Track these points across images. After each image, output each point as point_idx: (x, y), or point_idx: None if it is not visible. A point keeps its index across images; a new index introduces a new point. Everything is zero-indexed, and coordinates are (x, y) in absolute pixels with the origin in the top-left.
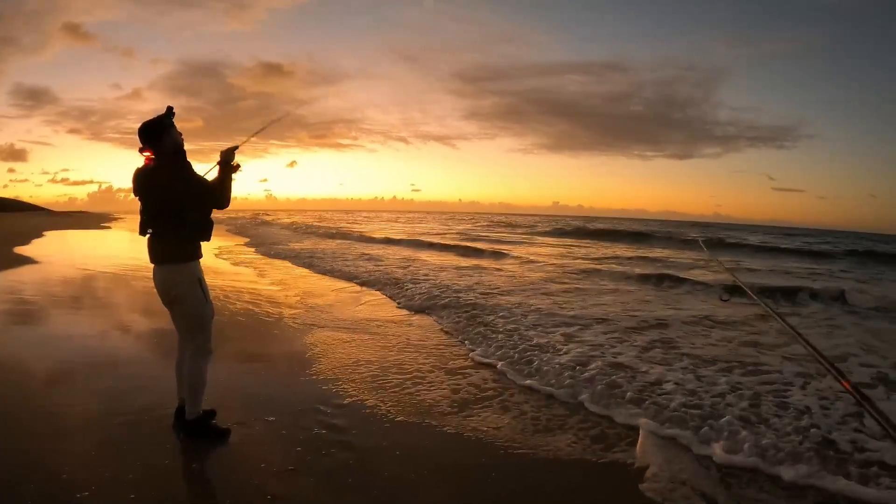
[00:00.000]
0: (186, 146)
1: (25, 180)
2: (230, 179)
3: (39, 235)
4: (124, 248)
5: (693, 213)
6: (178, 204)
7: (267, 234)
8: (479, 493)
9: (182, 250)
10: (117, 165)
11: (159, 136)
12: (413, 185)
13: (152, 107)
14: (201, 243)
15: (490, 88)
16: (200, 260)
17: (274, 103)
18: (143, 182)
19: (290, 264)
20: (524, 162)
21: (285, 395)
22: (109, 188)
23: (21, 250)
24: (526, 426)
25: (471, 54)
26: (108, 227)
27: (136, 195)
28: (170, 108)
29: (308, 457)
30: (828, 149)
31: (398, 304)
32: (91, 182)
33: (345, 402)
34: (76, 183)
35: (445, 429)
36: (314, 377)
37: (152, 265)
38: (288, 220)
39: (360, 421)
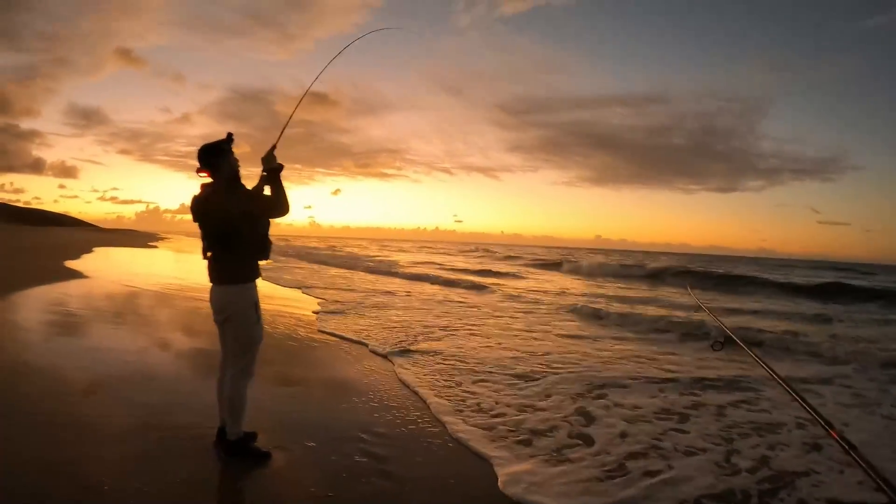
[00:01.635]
0: None
1: (75, 196)
2: (281, 184)
3: (89, 251)
4: (170, 267)
5: (737, 247)
6: (235, 226)
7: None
8: None
9: (240, 272)
10: (165, 186)
11: (217, 160)
12: (456, 215)
13: (201, 131)
14: (260, 263)
15: (532, 120)
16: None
17: (319, 131)
18: (201, 208)
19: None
20: (567, 194)
21: (326, 420)
22: (157, 208)
23: (71, 264)
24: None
25: (513, 86)
26: (155, 246)
27: (195, 221)
28: (230, 135)
29: (347, 484)
30: (873, 180)
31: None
32: (139, 202)
33: (386, 430)
34: (124, 202)
35: (488, 462)
36: (355, 404)
37: (210, 284)
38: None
39: (401, 451)
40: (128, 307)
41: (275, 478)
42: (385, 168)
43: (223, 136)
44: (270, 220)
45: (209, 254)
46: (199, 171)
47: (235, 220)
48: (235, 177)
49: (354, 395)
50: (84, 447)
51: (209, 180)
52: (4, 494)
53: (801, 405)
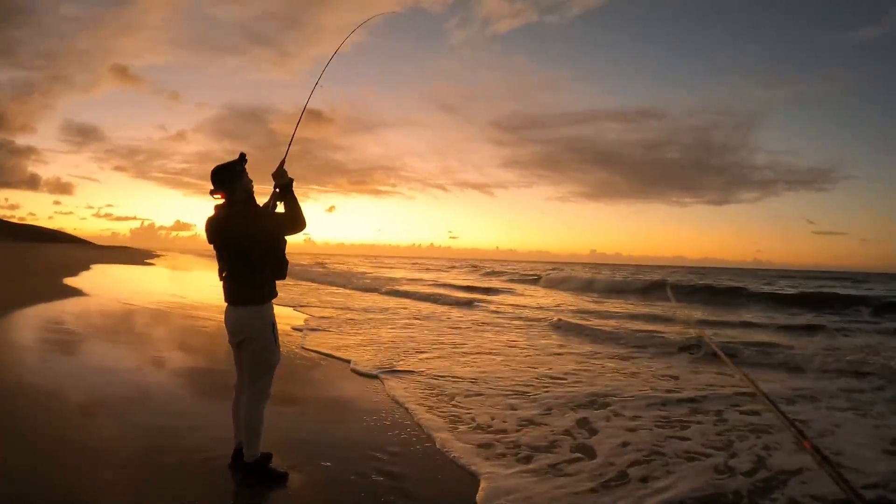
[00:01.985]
0: None
1: (70, 213)
2: (295, 198)
3: (87, 268)
4: (169, 285)
5: (733, 259)
6: (250, 248)
7: None
8: None
9: (257, 292)
10: (160, 203)
11: (231, 181)
12: (451, 232)
13: (196, 149)
14: (276, 282)
15: (528, 137)
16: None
17: (313, 148)
18: (216, 229)
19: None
20: (562, 210)
21: (334, 440)
22: (152, 225)
23: (70, 282)
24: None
25: (508, 103)
26: (152, 264)
27: (210, 242)
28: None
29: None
30: (868, 190)
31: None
32: (134, 218)
33: (399, 449)
34: (119, 218)
35: (486, 478)
36: (362, 423)
37: (225, 304)
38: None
39: (416, 469)
40: (130, 326)
41: (296, 498)
42: (380, 185)
43: (220, 153)
44: (287, 237)
45: (224, 274)
46: (212, 192)
47: (251, 241)
48: (249, 197)
49: (359, 414)
50: (94, 470)
51: (222, 201)
52: None
53: (777, 414)
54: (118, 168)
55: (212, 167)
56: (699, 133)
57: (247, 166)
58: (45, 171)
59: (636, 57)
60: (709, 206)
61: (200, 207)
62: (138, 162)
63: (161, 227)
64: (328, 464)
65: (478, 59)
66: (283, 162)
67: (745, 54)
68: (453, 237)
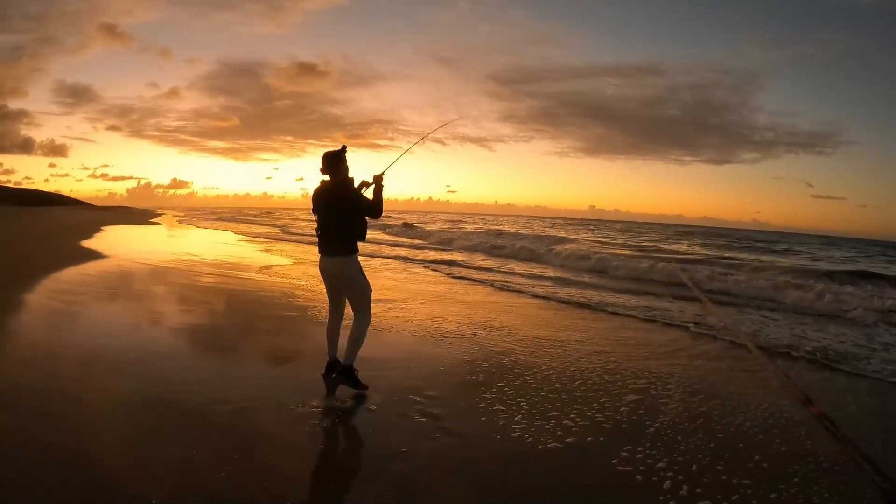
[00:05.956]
0: (225, 145)
1: (66, 175)
2: (381, 194)
3: (98, 230)
4: (179, 245)
5: (731, 219)
6: (347, 213)
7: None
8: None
9: (348, 247)
10: (156, 162)
11: (337, 164)
12: (449, 186)
13: (190, 106)
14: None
15: (525, 91)
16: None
17: (309, 103)
18: (321, 197)
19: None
20: (560, 165)
21: (375, 386)
22: (148, 184)
23: (87, 244)
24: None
25: (505, 56)
26: (158, 224)
27: (314, 205)
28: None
29: (416, 441)
30: (869, 156)
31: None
32: (130, 178)
33: (435, 393)
34: (116, 178)
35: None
36: (396, 370)
37: (320, 255)
38: None
39: (455, 411)
40: (153, 285)
41: (349, 439)
42: (377, 139)
43: (215, 110)
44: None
45: (321, 232)
46: (322, 170)
47: (349, 209)
48: (347, 178)
49: (382, 362)
50: (182, 422)
51: (328, 178)
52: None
53: (788, 383)
54: (112, 128)
55: (208, 123)
56: (698, 91)
57: (242, 121)
58: (38, 134)
59: (634, 12)
60: (708, 165)
61: (197, 164)
62: (132, 121)
63: (158, 186)
64: (374, 407)
65: (474, 12)
66: (386, 170)
67: (745, 13)
68: (451, 191)
